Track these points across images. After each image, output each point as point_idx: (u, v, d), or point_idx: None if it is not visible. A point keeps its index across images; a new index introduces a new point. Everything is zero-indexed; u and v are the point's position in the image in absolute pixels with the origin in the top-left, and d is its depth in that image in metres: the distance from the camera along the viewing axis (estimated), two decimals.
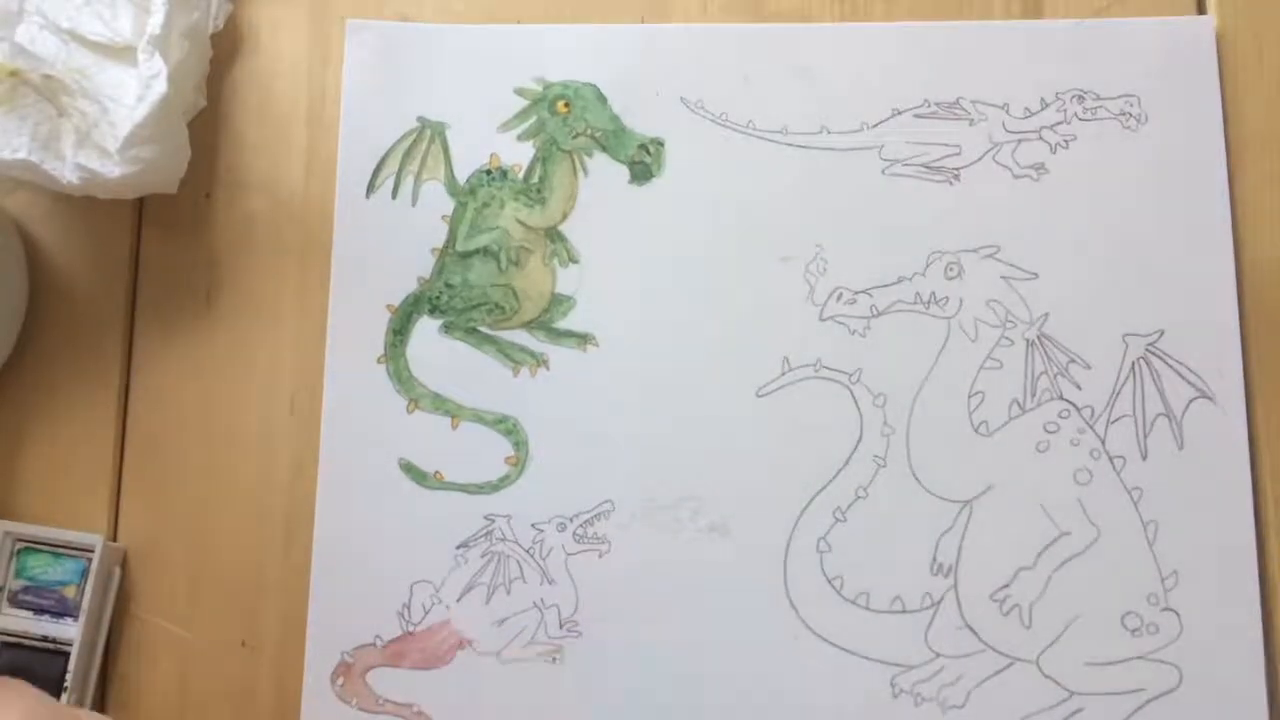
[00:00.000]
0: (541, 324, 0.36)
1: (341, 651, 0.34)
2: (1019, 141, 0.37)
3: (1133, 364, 0.35)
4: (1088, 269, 0.36)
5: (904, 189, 0.37)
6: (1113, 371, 0.35)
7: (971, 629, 0.34)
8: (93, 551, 0.34)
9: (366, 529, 0.35)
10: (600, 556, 0.35)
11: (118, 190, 0.34)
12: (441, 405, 0.36)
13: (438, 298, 0.37)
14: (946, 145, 0.37)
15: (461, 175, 0.37)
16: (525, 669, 0.34)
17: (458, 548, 0.35)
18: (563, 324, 0.36)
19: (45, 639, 0.34)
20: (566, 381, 0.36)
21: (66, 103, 0.34)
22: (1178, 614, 0.34)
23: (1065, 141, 0.37)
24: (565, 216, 0.37)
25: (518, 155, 0.37)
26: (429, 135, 0.37)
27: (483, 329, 0.37)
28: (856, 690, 0.34)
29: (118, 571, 0.35)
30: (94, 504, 0.36)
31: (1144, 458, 0.35)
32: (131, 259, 0.37)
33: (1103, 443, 0.35)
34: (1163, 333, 0.35)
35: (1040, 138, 0.37)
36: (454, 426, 0.36)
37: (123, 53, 0.35)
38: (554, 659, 0.34)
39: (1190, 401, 0.35)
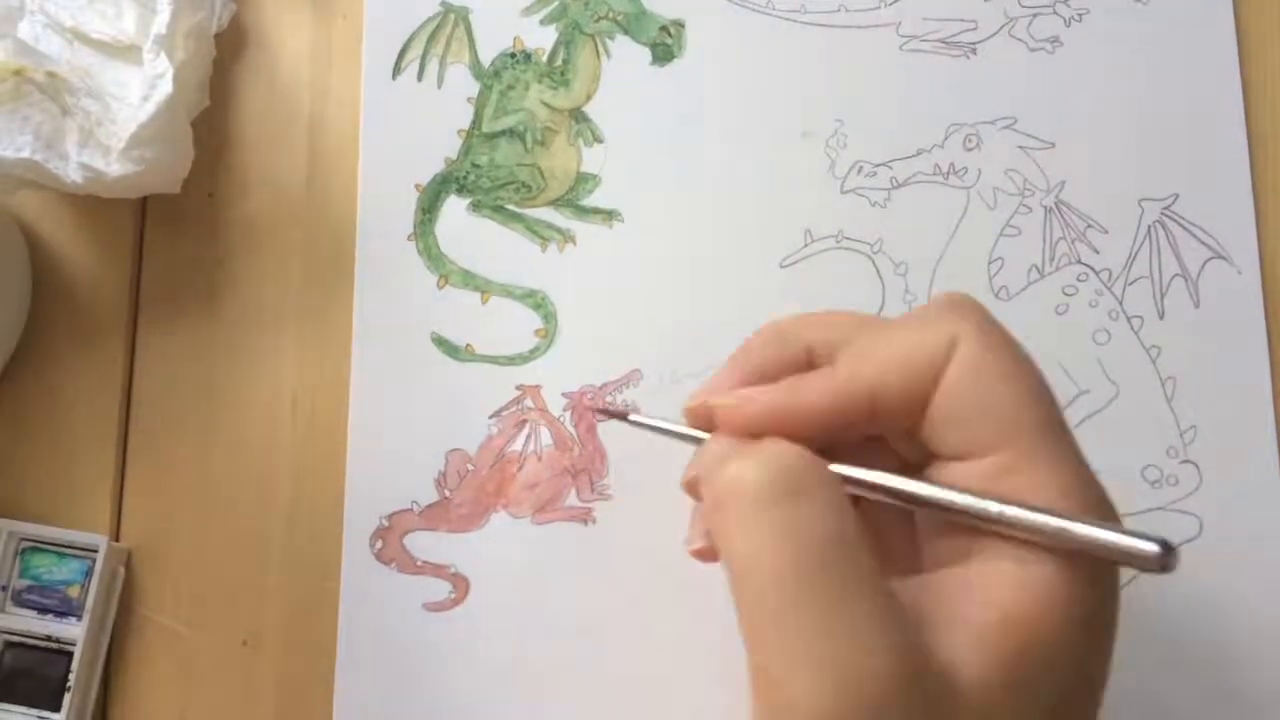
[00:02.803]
0: (568, 201, 0.37)
1: (380, 516, 0.35)
2: (1034, 16, 0.37)
3: (1148, 227, 0.36)
4: (1103, 137, 0.37)
5: (922, 64, 0.37)
6: (1129, 235, 0.36)
7: None
8: (97, 552, 0.35)
9: (401, 400, 0.36)
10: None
11: (121, 190, 0.34)
12: (471, 281, 0.37)
13: (465, 177, 0.37)
14: (963, 20, 0.37)
15: (485, 59, 0.38)
16: (557, 531, 0.35)
17: (490, 417, 0.36)
18: (588, 201, 0.37)
19: (49, 638, 0.34)
20: (593, 257, 0.37)
21: (70, 102, 0.34)
22: (1197, 466, 0.35)
23: (1079, 15, 0.37)
24: (589, 98, 0.38)
25: (541, 39, 0.38)
26: (453, 19, 0.38)
27: (510, 207, 0.37)
28: None
29: (121, 571, 0.35)
30: (97, 504, 0.36)
31: (1161, 317, 0.36)
32: (134, 258, 0.38)
33: (1120, 303, 0.36)
34: (1177, 196, 0.36)
35: (1055, 12, 0.37)
36: (484, 301, 0.37)
37: (127, 52, 0.35)
38: (585, 522, 0.35)
39: (1205, 262, 0.36)
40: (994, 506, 0.22)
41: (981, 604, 0.22)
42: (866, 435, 0.25)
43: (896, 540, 0.25)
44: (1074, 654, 0.22)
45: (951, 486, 0.23)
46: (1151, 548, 0.21)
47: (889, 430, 0.25)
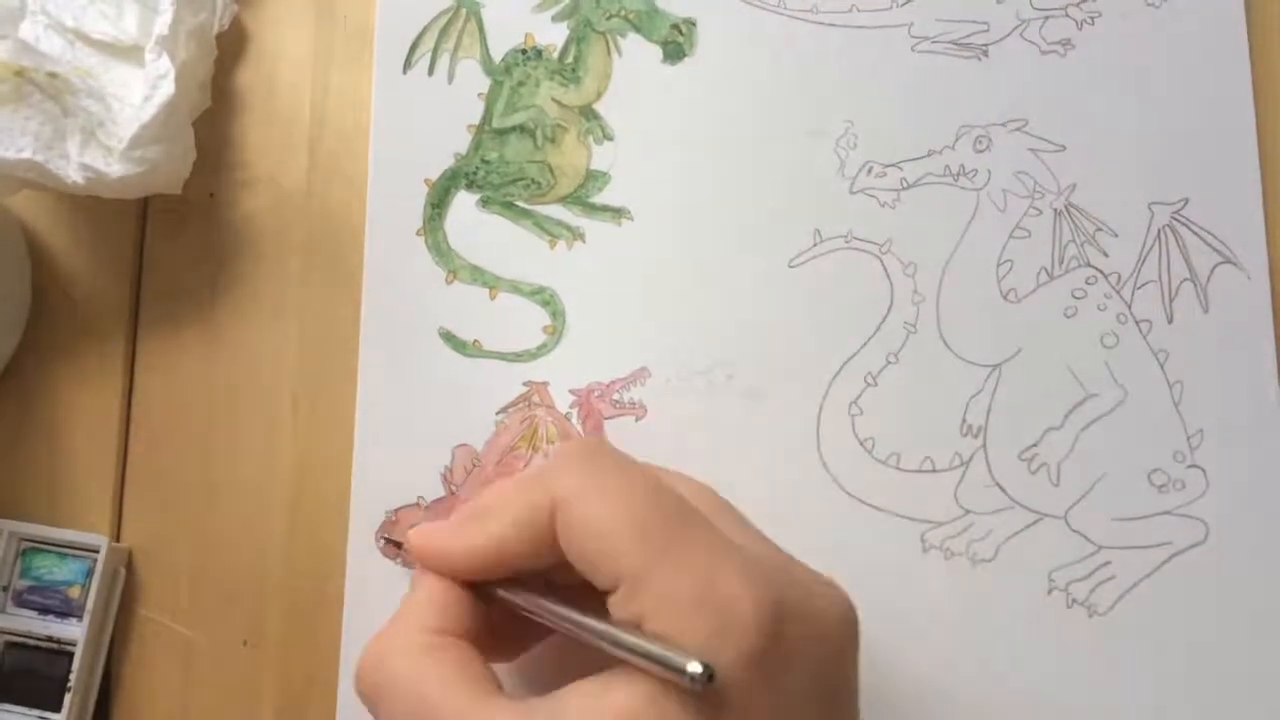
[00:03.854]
0: (577, 199, 0.37)
1: (385, 510, 0.35)
2: (1046, 18, 0.37)
3: (1158, 231, 0.36)
4: (1113, 141, 0.37)
5: (933, 65, 0.37)
6: (1139, 239, 0.36)
7: (1000, 486, 0.35)
8: (97, 552, 0.35)
9: (407, 395, 0.36)
10: (636, 420, 0.36)
11: (122, 190, 0.34)
12: (480, 277, 0.37)
13: (475, 173, 0.37)
14: (975, 22, 0.37)
15: (496, 55, 0.38)
16: None
17: (497, 413, 0.36)
18: (598, 199, 0.37)
19: (50, 639, 0.34)
20: (602, 254, 0.37)
21: (71, 102, 0.34)
22: (1204, 470, 0.35)
23: (1091, 18, 0.37)
24: (600, 95, 0.38)
25: (552, 36, 0.38)
26: (465, 14, 0.38)
27: (519, 203, 0.37)
28: (887, 545, 0.35)
29: (122, 572, 0.35)
30: (97, 504, 0.36)
31: (1169, 321, 0.35)
32: (135, 258, 0.38)
33: (1129, 307, 0.36)
34: (1187, 201, 0.36)
35: (1067, 14, 0.37)
36: (492, 297, 0.37)
37: (128, 52, 0.35)
38: None
39: (1215, 267, 0.36)
40: (580, 621, 0.26)
41: (606, 703, 0.24)
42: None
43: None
44: None
45: (564, 608, 0.26)
46: (693, 667, 0.23)
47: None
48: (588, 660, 0.26)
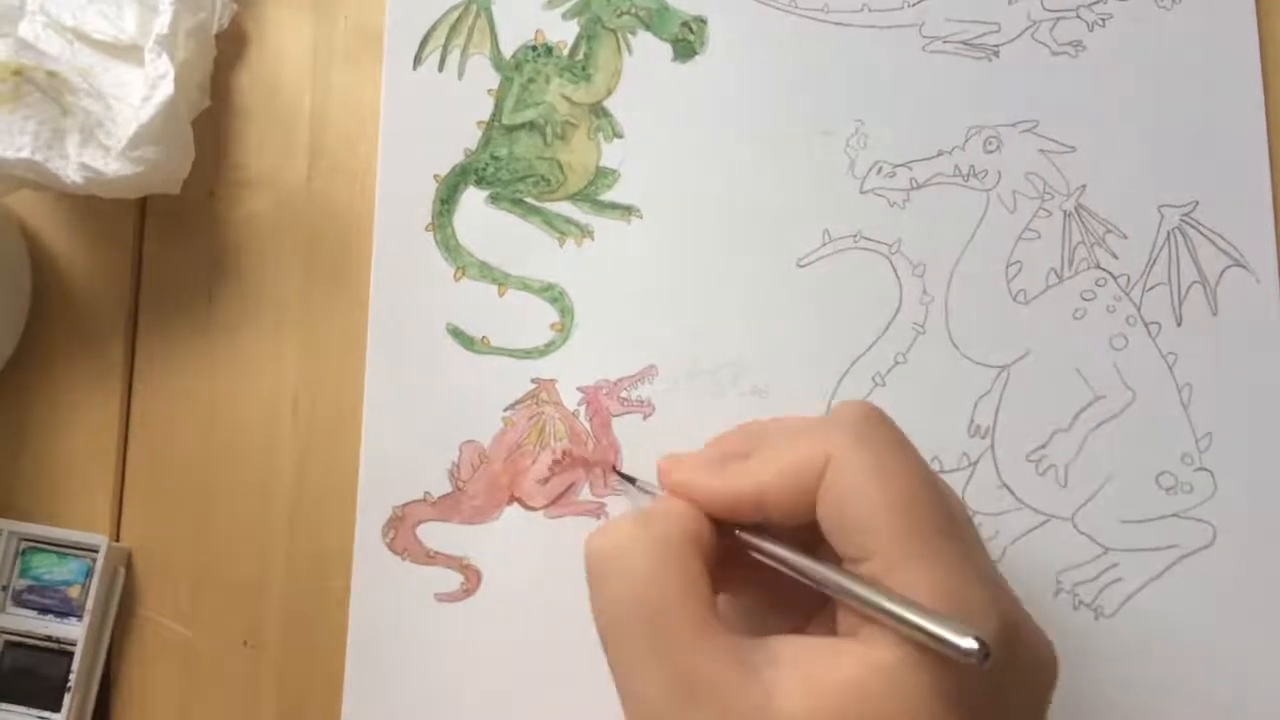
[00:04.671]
0: (586, 196, 0.37)
1: (392, 506, 0.35)
2: (1057, 19, 0.37)
3: (1168, 233, 0.36)
4: (1124, 143, 0.37)
5: (943, 65, 0.37)
6: (1148, 241, 0.36)
7: (1008, 488, 0.35)
8: (97, 551, 0.34)
9: (415, 390, 0.36)
10: (644, 419, 0.36)
11: (121, 190, 0.34)
12: (488, 273, 0.37)
13: (484, 169, 0.37)
14: (985, 23, 0.37)
15: (507, 51, 0.38)
16: (570, 525, 0.35)
17: (505, 409, 0.36)
18: (607, 196, 0.37)
19: (49, 639, 0.34)
20: (611, 252, 0.37)
21: (71, 101, 0.34)
22: (1211, 473, 0.35)
23: (1102, 20, 0.37)
24: (610, 93, 0.38)
25: (563, 32, 0.38)
26: (475, 10, 0.38)
27: (529, 200, 0.37)
28: None
29: (122, 571, 0.35)
30: (97, 504, 0.36)
31: (1179, 324, 0.36)
32: (134, 258, 0.38)
33: (1138, 309, 0.36)
34: (1197, 203, 0.36)
35: (1078, 16, 0.37)
36: (501, 294, 0.37)
37: (128, 51, 0.35)
38: (598, 517, 0.35)
39: (1224, 269, 0.36)
40: (844, 582, 0.25)
41: (831, 666, 0.24)
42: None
43: (808, 601, 0.27)
44: None
45: (826, 566, 0.26)
46: (968, 643, 0.22)
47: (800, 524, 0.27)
48: (780, 624, 0.26)
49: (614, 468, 0.35)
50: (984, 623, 0.24)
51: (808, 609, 0.28)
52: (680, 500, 0.28)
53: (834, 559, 0.26)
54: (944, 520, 0.25)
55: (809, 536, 0.27)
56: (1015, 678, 0.25)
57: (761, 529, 0.28)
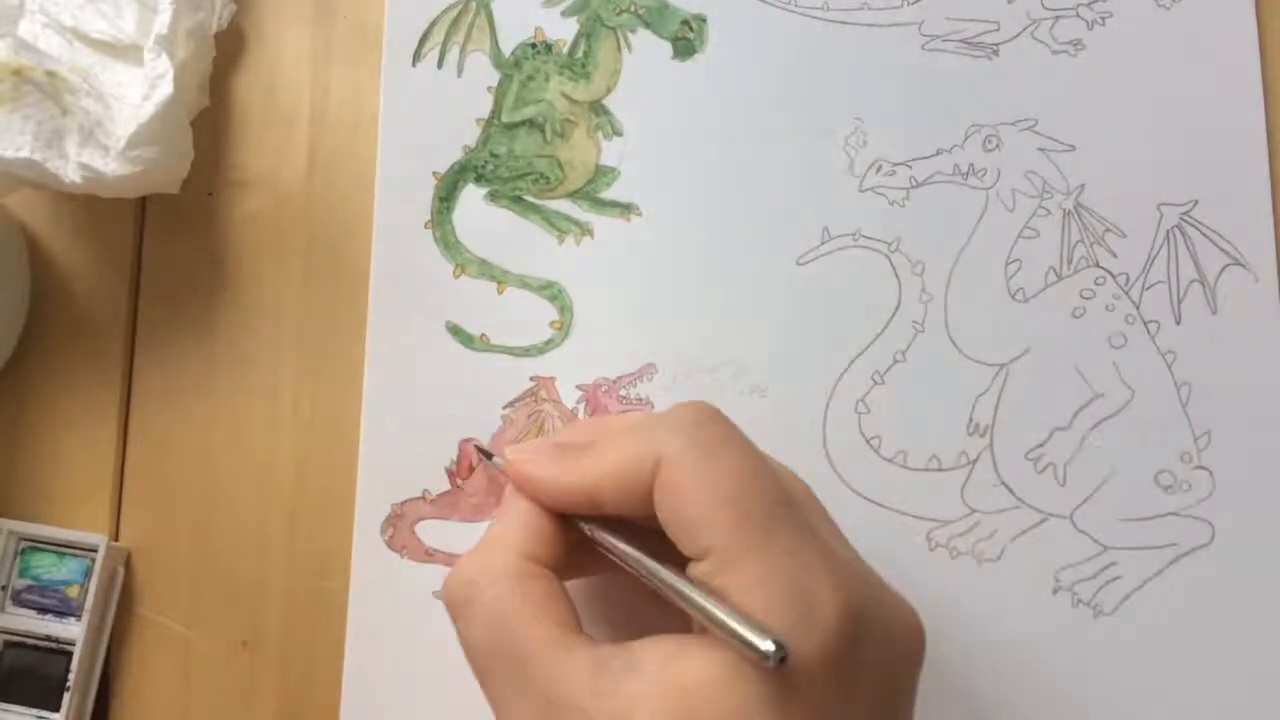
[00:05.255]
0: (586, 194, 0.37)
1: (391, 503, 0.35)
2: (1056, 18, 0.37)
3: (1167, 232, 0.36)
4: (1123, 141, 0.37)
5: (943, 64, 0.37)
6: (1147, 240, 0.36)
7: (1007, 486, 0.35)
8: (96, 551, 0.34)
9: (414, 388, 0.36)
10: None
11: (120, 189, 0.34)
12: (487, 271, 0.37)
13: (483, 166, 0.37)
14: (985, 21, 0.37)
15: (506, 48, 0.38)
16: None
17: (504, 407, 0.36)
18: (607, 194, 0.37)
19: (48, 638, 0.34)
20: (610, 250, 0.37)
21: (70, 101, 0.33)
22: (1210, 472, 0.35)
23: (1102, 19, 0.37)
24: (609, 91, 0.38)
25: (562, 30, 0.38)
26: (474, 8, 0.38)
27: (528, 198, 0.37)
28: (893, 544, 0.35)
29: (121, 571, 0.35)
30: (97, 504, 0.36)
31: (1178, 322, 0.36)
32: (134, 258, 0.37)
33: (1137, 308, 0.36)
34: (1196, 202, 0.36)
35: (1077, 15, 0.37)
36: (500, 292, 0.37)
37: (127, 51, 0.35)
38: None
39: (1223, 268, 0.36)
40: (665, 579, 0.26)
41: (681, 669, 0.24)
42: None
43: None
44: None
45: (651, 562, 0.26)
46: (766, 645, 0.23)
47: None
48: (655, 608, 0.26)
49: (476, 445, 0.35)
50: (823, 607, 0.24)
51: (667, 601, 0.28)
52: (517, 510, 0.28)
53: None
54: (779, 510, 0.26)
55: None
56: (866, 657, 0.25)
57: (613, 520, 0.28)
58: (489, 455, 0.34)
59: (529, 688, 0.25)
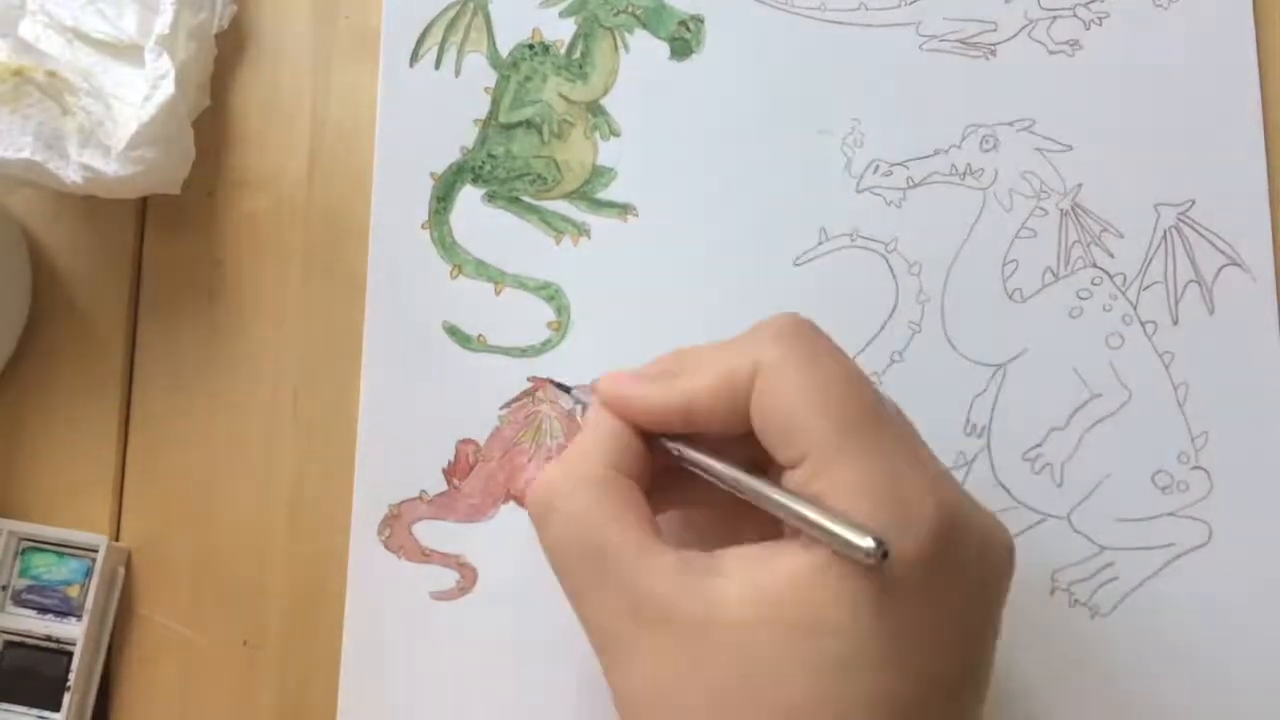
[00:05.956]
0: (583, 194, 0.37)
1: (388, 504, 0.35)
2: (1054, 18, 0.37)
3: (1164, 232, 0.36)
4: (1121, 141, 0.37)
5: (940, 64, 0.37)
6: (1145, 240, 0.36)
7: (1004, 486, 0.35)
8: (96, 551, 0.34)
9: (411, 388, 0.36)
10: None
11: (121, 190, 0.34)
12: (484, 271, 0.37)
13: (480, 167, 0.37)
14: (982, 22, 0.37)
15: (504, 49, 0.38)
16: None
17: (501, 408, 0.36)
18: (604, 195, 0.37)
19: (48, 638, 0.34)
20: (608, 251, 0.37)
21: (71, 102, 0.34)
22: (1208, 472, 0.35)
23: (1099, 19, 0.37)
24: (607, 91, 0.38)
25: (560, 31, 0.38)
26: (472, 8, 0.38)
27: (525, 199, 0.37)
28: None
29: (121, 571, 0.35)
30: (97, 503, 0.36)
31: (1175, 323, 0.35)
32: (134, 258, 0.38)
33: (1134, 308, 0.36)
34: (1194, 202, 0.36)
35: (1075, 15, 0.37)
36: (497, 292, 0.37)
37: (128, 51, 0.35)
38: None
39: (1220, 268, 0.36)
40: (757, 486, 0.26)
41: (770, 569, 0.25)
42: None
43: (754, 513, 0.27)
44: (854, 620, 0.24)
45: (743, 470, 0.27)
46: (866, 543, 0.23)
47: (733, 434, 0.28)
48: (738, 533, 0.27)
49: (549, 380, 0.35)
50: (919, 510, 0.24)
51: (755, 521, 0.28)
52: (604, 425, 0.28)
53: (776, 469, 0.26)
54: (875, 416, 0.26)
55: (755, 453, 0.27)
56: (959, 563, 0.25)
57: (694, 441, 0.28)
58: (566, 388, 0.34)
59: (611, 585, 0.25)
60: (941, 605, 0.24)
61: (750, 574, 0.25)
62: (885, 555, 0.23)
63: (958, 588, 0.25)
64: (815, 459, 0.25)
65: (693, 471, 0.28)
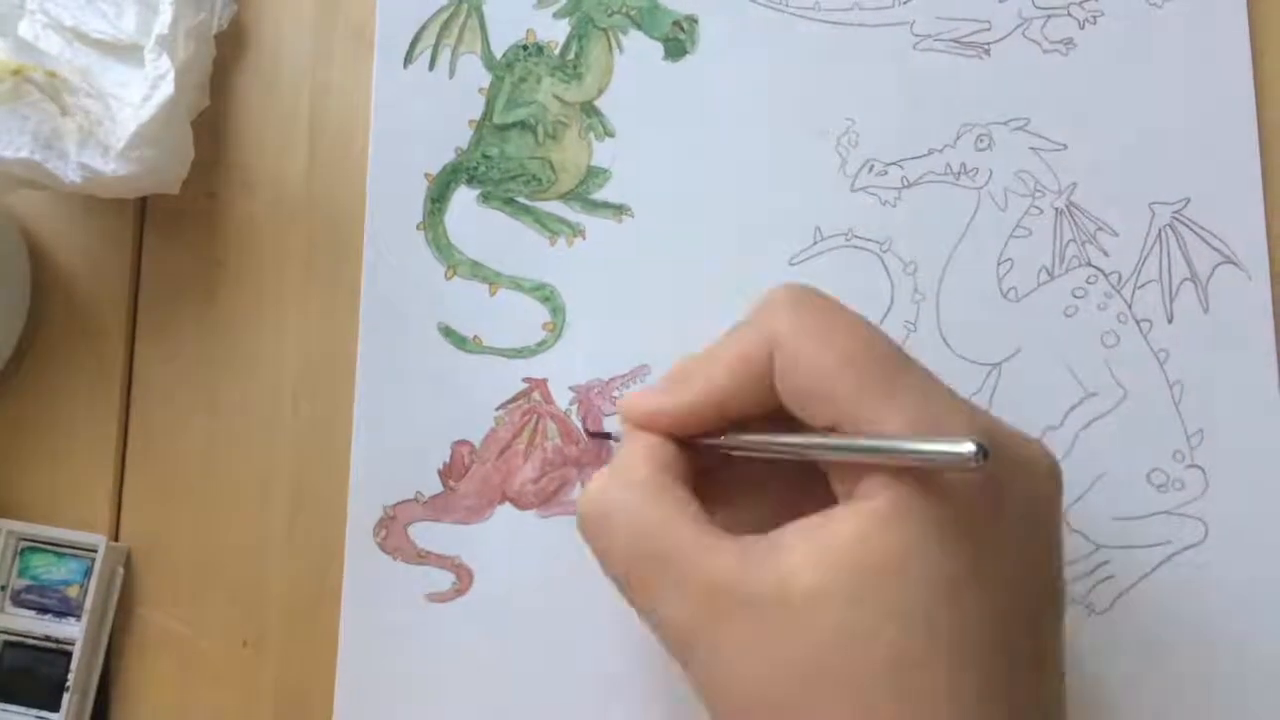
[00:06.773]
0: (578, 195, 0.37)
1: (383, 505, 0.35)
2: (1048, 17, 0.37)
3: (1159, 231, 0.36)
4: (1115, 140, 0.37)
5: (935, 64, 0.37)
6: (1139, 238, 0.36)
7: None
8: (96, 551, 0.35)
9: (407, 389, 0.36)
10: None
11: (120, 190, 0.34)
12: (479, 272, 0.37)
13: (475, 168, 0.37)
14: (976, 21, 0.37)
15: (498, 50, 0.38)
16: (562, 525, 0.35)
17: (497, 409, 0.36)
18: (599, 195, 0.37)
19: (48, 638, 0.34)
20: (603, 251, 0.37)
21: (70, 101, 0.34)
22: (1203, 470, 0.35)
23: (1093, 17, 0.37)
24: (601, 92, 0.38)
25: (554, 32, 0.38)
26: (466, 9, 0.38)
27: (520, 199, 0.37)
28: None
29: (121, 571, 0.35)
30: (97, 504, 0.36)
31: (1170, 321, 0.35)
32: (133, 258, 0.38)
33: (1129, 307, 0.36)
34: (1188, 200, 0.36)
35: (1069, 14, 0.37)
36: (492, 293, 0.37)
37: (127, 51, 0.35)
38: None
39: (1215, 267, 0.36)
40: (827, 441, 0.26)
41: (833, 532, 0.25)
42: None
43: (801, 498, 0.27)
44: (925, 561, 0.24)
45: (804, 434, 0.27)
46: (966, 447, 0.23)
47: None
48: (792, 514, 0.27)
49: (589, 431, 0.35)
50: (963, 439, 0.24)
51: (803, 505, 0.28)
52: (641, 438, 0.29)
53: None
54: (898, 359, 0.26)
55: (785, 430, 0.27)
56: (1010, 486, 0.25)
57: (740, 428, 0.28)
58: (607, 435, 0.35)
59: (682, 580, 0.25)
60: (1000, 535, 0.25)
61: (813, 541, 0.25)
62: (986, 455, 0.23)
63: (1011, 511, 0.25)
64: (853, 415, 0.25)
65: (729, 472, 0.28)
